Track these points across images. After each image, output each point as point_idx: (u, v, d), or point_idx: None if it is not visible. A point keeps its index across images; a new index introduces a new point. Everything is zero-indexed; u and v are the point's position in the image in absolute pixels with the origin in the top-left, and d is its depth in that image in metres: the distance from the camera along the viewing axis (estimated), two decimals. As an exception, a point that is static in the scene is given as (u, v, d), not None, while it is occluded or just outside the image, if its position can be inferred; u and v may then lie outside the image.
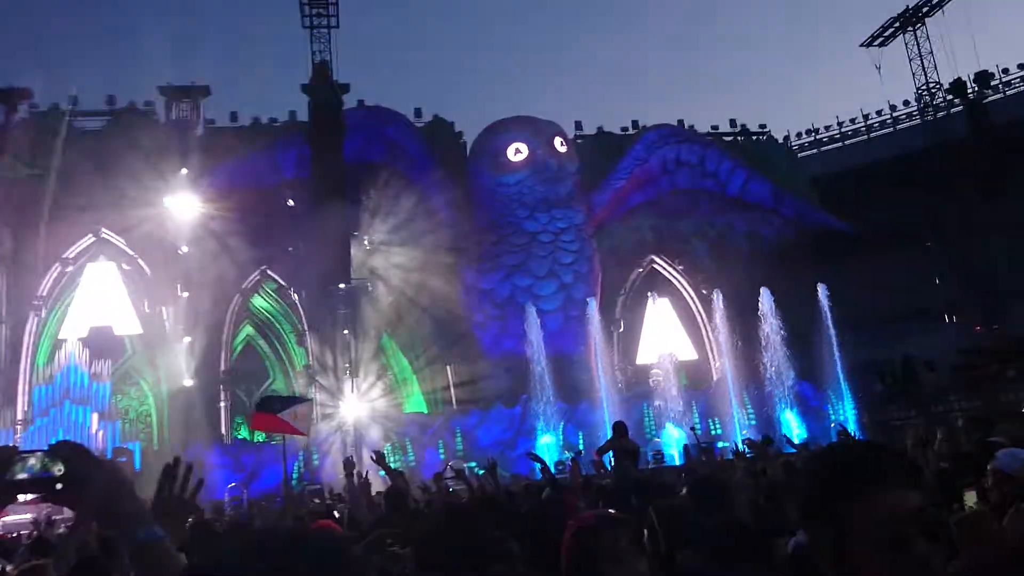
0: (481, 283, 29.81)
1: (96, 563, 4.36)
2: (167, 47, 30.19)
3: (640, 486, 7.48)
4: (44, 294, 28.45)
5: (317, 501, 17.60)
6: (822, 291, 28.54)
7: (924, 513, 1.45)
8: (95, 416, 24.96)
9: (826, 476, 1.51)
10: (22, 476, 1.59)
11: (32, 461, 1.60)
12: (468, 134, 33.44)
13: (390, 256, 29.60)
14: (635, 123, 36.05)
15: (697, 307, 33.51)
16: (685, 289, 34.09)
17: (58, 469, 1.58)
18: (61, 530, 9.64)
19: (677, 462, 22.16)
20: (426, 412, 28.95)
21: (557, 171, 30.67)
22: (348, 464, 10.89)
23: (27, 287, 28.21)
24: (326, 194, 27.11)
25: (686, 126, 36.15)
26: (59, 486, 1.57)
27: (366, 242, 29.41)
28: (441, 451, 25.80)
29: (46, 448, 1.61)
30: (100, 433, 24.42)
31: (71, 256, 29.00)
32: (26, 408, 26.79)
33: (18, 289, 28.08)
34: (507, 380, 28.12)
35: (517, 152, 30.69)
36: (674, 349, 31.11)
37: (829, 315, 28.56)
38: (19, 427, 25.90)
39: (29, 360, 27.71)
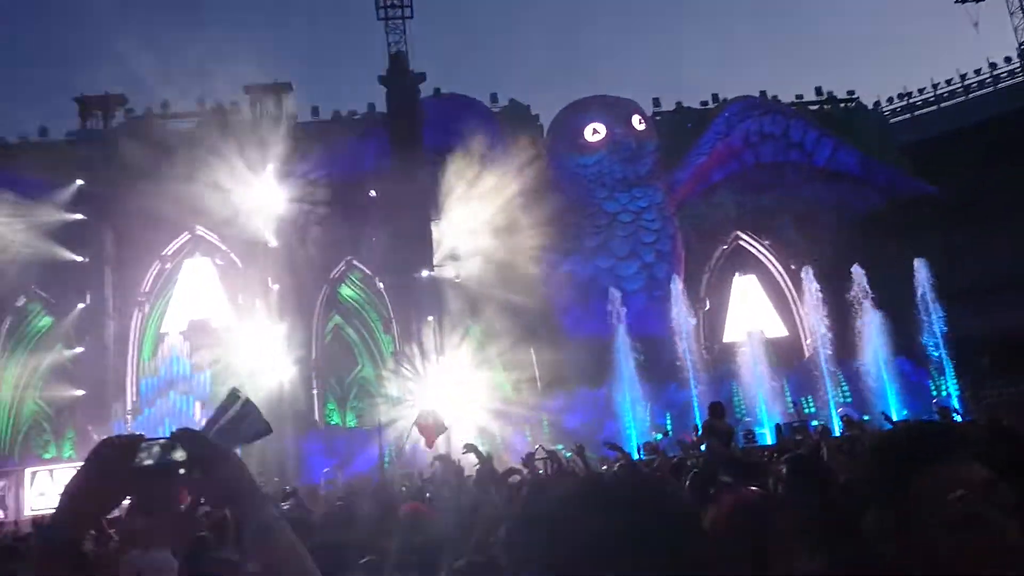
0: (562, 266, 29.73)
1: (207, 541, 4.55)
2: (250, 47, 31.06)
3: (731, 465, 7.36)
4: (146, 290, 29.96)
5: (406, 487, 17.92)
6: (919, 263, 27.32)
7: (998, 488, 1.37)
8: (198, 404, 26.14)
9: (889, 452, 1.48)
10: (148, 463, 1.62)
11: (156, 448, 1.63)
12: (545, 116, 33.35)
13: (471, 242, 29.80)
14: (715, 96, 35.19)
15: (786, 282, 32.59)
16: (772, 264, 33.20)
17: (180, 455, 1.62)
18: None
19: (769, 441, 21.69)
20: (511, 396, 29.13)
21: (636, 150, 30.26)
22: (440, 456, 11.08)
23: (130, 284, 29.73)
24: (406, 183, 27.52)
25: (769, 97, 35.06)
26: (181, 471, 1.62)
27: (447, 229, 29.69)
28: (527, 435, 25.93)
29: (167, 436, 1.66)
30: (203, 421, 25.49)
31: (169, 253, 30.40)
32: (134, 399, 28.32)
33: (122, 287, 29.61)
34: (591, 362, 27.98)
35: (595, 132, 30.41)
36: (762, 326, 30.37)
37: (927, 287, 27.33)
38: (129, 417, 27.36)
39: (135, 353, 29.32)
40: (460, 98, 31.53)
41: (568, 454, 14.67)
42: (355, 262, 30.43)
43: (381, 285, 30.09)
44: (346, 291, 31.00)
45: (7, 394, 29.31)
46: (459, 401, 27.05)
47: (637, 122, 30.88)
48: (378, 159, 29.75)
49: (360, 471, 23.26)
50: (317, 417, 29.27)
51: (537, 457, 13.68)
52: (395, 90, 29.38)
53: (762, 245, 33.35)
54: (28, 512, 20.19)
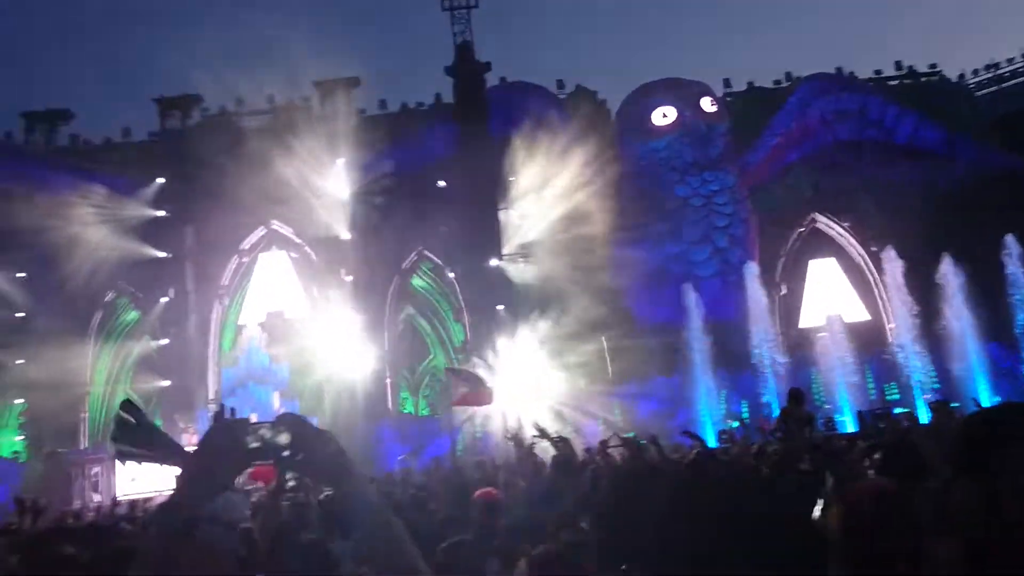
0: (632, 252, 29.34)
1: (289, 526, 4.61)
2: (318, 42, 31.49)
3: (813, 451, 7.16)
4: (225, 283, 30.89)
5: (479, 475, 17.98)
6: (1010, 240, 26.00)
7: None
8: (276, 394, 26.82)
9: (973, 430, 1.51)
10: (255, 445, 1.73)
11: (262, 431, 1.74)
12: (612, 102, 32.96)
13: (540, 229, 29.71)
14: (788, 75, 34.16)
15: (867, 265, 31.44)
16: (852, 246, 32.07)
17: (284, 438, 1.73)
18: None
19: (850, 429, 21.01)
20: (583, 385, 29.00)
21: (706, 132, 29.64)
22: (514, 437, 11.01)
23: (211, 278, 30.67)
24: (474, 172, 27.63)
25: (845, 73, 33.82)
26: (286, 453, 1.72)
27: (516, 217, 29.67)
28: (600, 423, 25.76)
29: (272, 420, 1.78)
30: (282, 410, 26.19)
31: (246, 247, 31.24)
32: (216, 388, 29.25)
33: (203, 280, 30.56)
34: (664, 350, 27.62)
35: (664, 116, 29.91)
36: (841, 311, 29.41)
37: (1019, 267, 26.00)
38: (211, 406, 28.26)
39: (216, 344, 30.29)
40: (526, 85, 31.43)
41: (641, 442, 14.45)
42: (426, 252, 30.70)
43: (452, 275, 30.29)
44: (417, 281, 31.31)
45: (100, 385, 30.69)
46: (530, 389, 27.07)
47: (707, 104, 30.22)
48: (446, 149, 29.92)
49: (433, 458, 23.50)
50: (390, 406, 29.70)
51: (611, 445, 13.53)
52: (461, 80, 29.48)
53: (841, 227, 32.25)
54: (121, 496, 21.02)
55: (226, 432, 1.75)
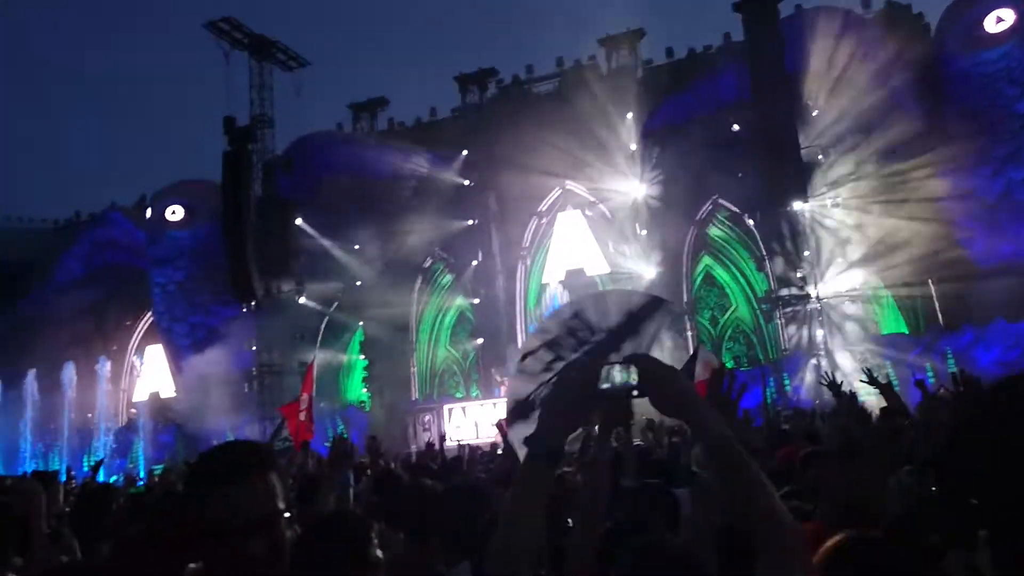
0: (964, 183, 25.71)
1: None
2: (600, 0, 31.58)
3: None
4: (527, 245, 32.45)
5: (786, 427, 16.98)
6: None
7: None
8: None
9: None
10: (605, 386, 1.80)
11: (614, 371, 1.80)
12: (931, 14, 28.94)
13: (849, 166, 27.12)
14: None
15: None
16: None
17: (634, 378, 1.79)
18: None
19: None
20: (906, 332, 26.22)
21: (1058, 33, 24.88)
22: (832, 384, 10.07)
23: (513, 241, 32.42)
24: (771, 111, 25.91)
25: None
26: (635, 393, 1.78)
27: (820, 156, 27.38)
28: (930, 374, 23.06)
29: (621, 360, 1.82)
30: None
31: (544, 209, 32.48)
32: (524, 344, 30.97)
33: (507, 243, 32.40)
34: (1007, 291, 23.97)
35: (999, 20, 25.65)
36: None
37: None
38: (524, 362, 29.94)
39: (522, 303, 32.07)
40: (825, 11, 28.62)
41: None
42: (721, 201, 29.57)
43: (751, 222, 28.87)
44: (714, 231, 30.31)
45: (423, 344, 34.01)
46: (844, 339, 25.09)
47: (1058, -1, 25.33)
48: (739, 91, 28.37)
49: (743, 410, 22.71)
50: (695, 359, 29.22)
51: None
52: (751, 15, 27.61)
53: None
54: (448, 442, 23.12)
55: (581, 372, 1.82)
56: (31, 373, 33.35)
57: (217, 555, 1.65)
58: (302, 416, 10.01)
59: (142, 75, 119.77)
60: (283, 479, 1.90)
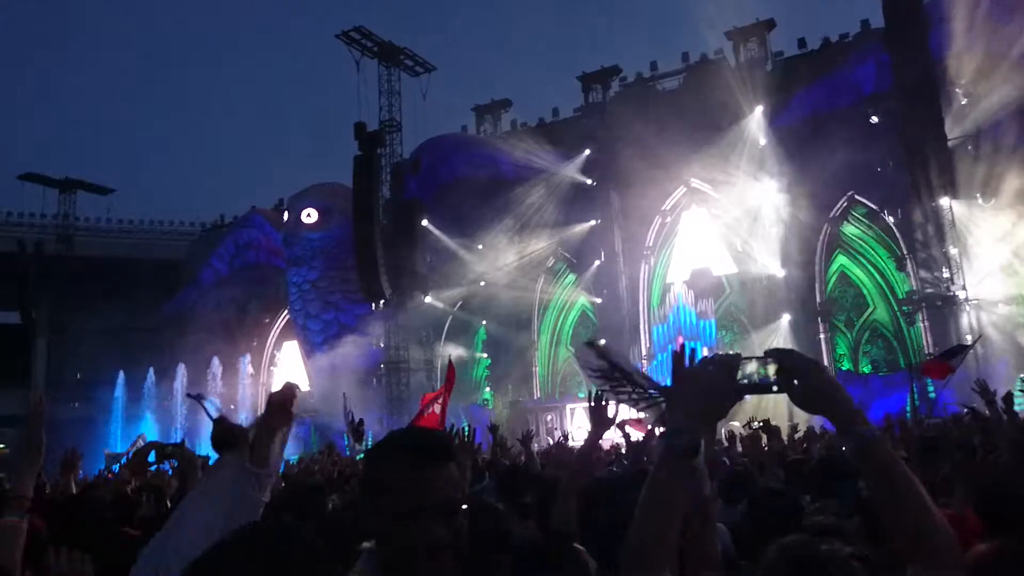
0: None
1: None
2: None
3: None
4: (651, 244, 31.93)
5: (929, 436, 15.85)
6: None
7: None
8: (704, 351, 26.94)
9: None
10: (743, 381, 1.77)
11: (751, 367, 1.77)
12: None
13: (1003, 160, 25.02)
14: None
15: None
16: None
17: (772, 370, 1.75)
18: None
19: None
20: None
21: None
22: (983, 389, 9.28)
23: (637, 240, 31.98)
24: (914, 101, 24.35)
25: None
26: (775, 388, 1.74)
27: (969, 147, 25.46)
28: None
29: (761, 355, 1.78)
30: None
31: (668, 208, 31.85)
32: (648, 345, 30.50)
33: (630, 242, 31.99)
34: None
35: None
36: None
37: None
38: (644, 362, 29.51)
39: (646, 302, 31.59)
40: (977, -10, 26.58)
41: None
42: (858, 197, 28.07)
43: (891, 219, 27.25)
44: (850, 229, 28.79)
45: (544, 344, 34.11)
46: (998, 345, 23.26)
47: None
48: (877, 81, 26.88)
49: (875, 420, 21.47)
50: (827, 362, 27.86)
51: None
52: (891, -1, 26.04)
53: None
54: (571, 442, 23.07)
55: (718, 367, 1.79)
56: (181, 367, 35.80)
57: (402, 535, 1.66)
58: (436, 409, 10.18)
59: (280, 84, 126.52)
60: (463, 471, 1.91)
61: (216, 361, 35.88)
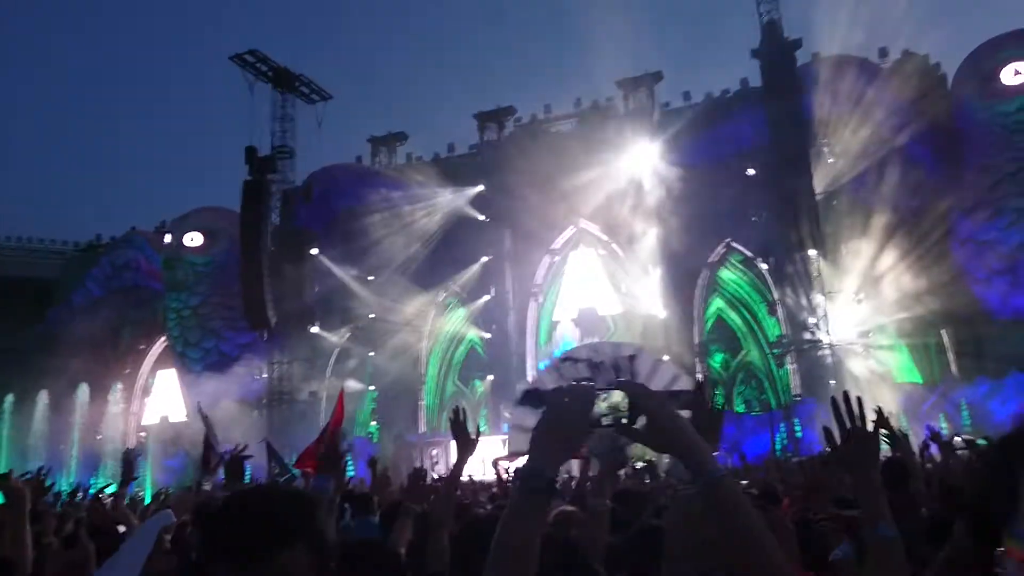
0: (980, 234, 25.70)
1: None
2: (620, 42, 32.05)
3: None
4: (539, 282, 32.55)
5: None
6: None
7: None
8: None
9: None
10: (600, 416, 1.73)
11: (603, 402, 1.73)
12: (948, 65, 29.14)
13: (862, 215, 27.12)
14: None
15: None
16: None
17: (625, 406, 1.71)
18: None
19: None
20: (920, 382, 26.00)
21: (1074, 86, 25.00)
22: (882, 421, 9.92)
23: (526, 277, 32.53)
24: (787, 157, 26.06)
25: None
26: (625, 421, 1.70)
27: (835, 202, 27.42)
28: (943, 424, 22.82)
29: (613, 386, 1.75)
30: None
31: (557, 247, 32.63)
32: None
33: (520, 280, 32.51)
34: (1022, 343, 23.82)
35: (1016, 73, 25.84)
36: None
37: None
38: (530, 397, 29.83)
39: (533, 339, 32.06)
40: (842, 59, 28.88)
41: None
42: (734, 244, 29.64)
43: (764, 266, 28.88)
44: (726, 274, 30.33)
45: (432, 377, 34.00)
46: (859, 387, 24.88)
47: (1075, 52, 25.49)
48: (755, 136, 28.59)
49: (749, 457, 22.49)
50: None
51: (957, 448, 11.72)
52: (769, 62, 27.93)
53: None
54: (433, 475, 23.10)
55: (574, 400, 1.72)
56: (43, 393, 33.60)
57: None
58: (322, 447, 9.90)
59: (166, 102, 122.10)
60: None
61: (85, 387, 33.86)
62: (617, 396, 1.73)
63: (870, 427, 2.20)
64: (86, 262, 40.42)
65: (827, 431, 2.30)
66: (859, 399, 2.27)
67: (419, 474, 4.39)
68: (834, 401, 2.27)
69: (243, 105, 31.40)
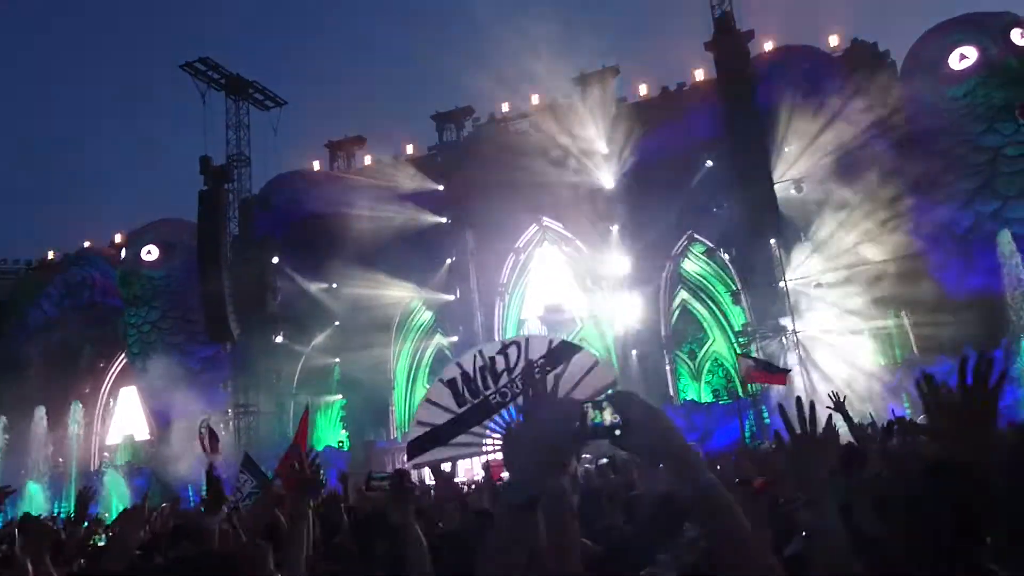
0: (934, 216, 26.18)
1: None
2: (577, 38, 32.09)
3: None
4: (504, 281, 32.48)
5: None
6: None
7: None
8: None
9: None
10: (589, 424, 1.75)
11: (593, 412, 1.75)
12: (897, 52, 29.67)
13: (822, 200, 27.52)
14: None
15: None
16: None
17: (615, 417, 1.72)
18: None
19: None
20: (882, 363, 26.44)
21: (1019, 69, 25.57)
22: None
23: (491, 277, 32.44)
24: (744, 147, 26.33)
25: None
26: (617, 432, 1.71)
27: (793, 190, 27.77)
28: (906, 404, 23.23)
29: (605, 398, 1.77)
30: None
31: (521, 245, 32.60)
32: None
33: (485, 279, 32.41)
34: (978, 322, 24.31)
35: (962, 58, 26.36)
36: None
37: None
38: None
39: (500, 338, 31.87)
40: (793, 49, 29.32)
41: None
42: (696, 235, 29.87)
43: (726, 257, 29.15)
44: (689, 265, 30.56)
45: (401, 382, 33.75)
46: (822, 371, 25.23)
47: (1018, 36, 26.08)
48: (712, 127, 28.84)
49: (720, 446, 22.73)
50: (672, 393, 29.27)
51: (921, 427, 11.93)
52: (723, 54, 28.20)
53: None
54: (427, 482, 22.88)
55: (562, 413, 1.76)
56: (2, 419, 32.68)
57: None
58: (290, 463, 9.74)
59: (117, 113, 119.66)
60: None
61: (42, 411, 32.95)
62: (596, 410, 1.75)
63: (820, 429, 2.25)
64: (39, 281, 39.37)
65: (778, 436, 2.32)
66: (811, 403, 2.31)
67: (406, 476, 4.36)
68: (782, 408, 2.32)
69: (196, 114, 30.90)
